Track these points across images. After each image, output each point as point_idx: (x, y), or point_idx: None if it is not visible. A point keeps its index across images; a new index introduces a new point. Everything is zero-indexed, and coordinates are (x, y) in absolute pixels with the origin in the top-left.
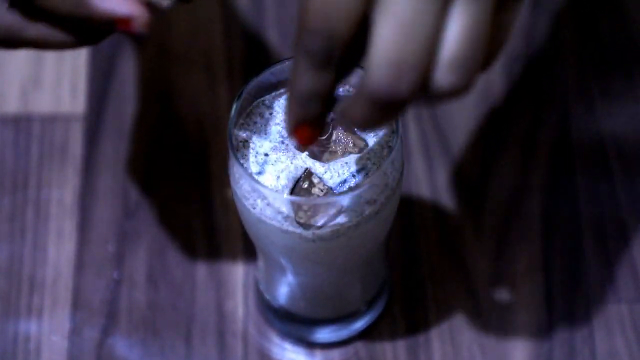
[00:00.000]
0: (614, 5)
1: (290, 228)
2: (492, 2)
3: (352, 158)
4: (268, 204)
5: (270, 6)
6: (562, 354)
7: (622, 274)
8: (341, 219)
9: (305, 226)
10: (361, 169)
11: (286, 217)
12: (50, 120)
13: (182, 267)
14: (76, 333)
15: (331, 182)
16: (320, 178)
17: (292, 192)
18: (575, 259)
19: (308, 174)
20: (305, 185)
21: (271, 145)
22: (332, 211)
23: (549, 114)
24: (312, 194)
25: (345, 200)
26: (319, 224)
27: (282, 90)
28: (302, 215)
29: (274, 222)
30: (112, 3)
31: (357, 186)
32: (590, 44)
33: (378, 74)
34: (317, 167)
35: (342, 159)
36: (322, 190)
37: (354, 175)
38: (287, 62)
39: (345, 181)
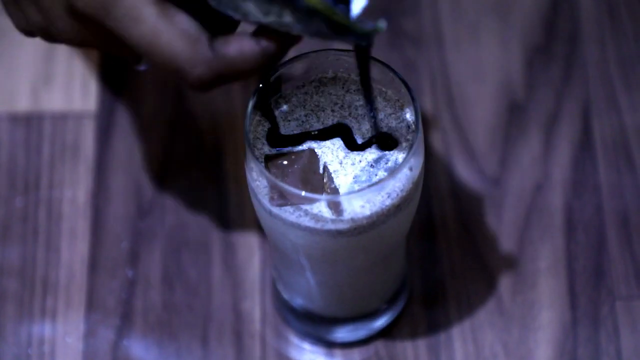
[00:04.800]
0: None
1: (310, 225)
2: None
3: (369, 150)
4: None
5: None
6: (587, 352)
7: None
8: (362, 215)
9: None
10: (379, 158)
11: (305, 214)
12: (62, 119)
13: (198, 266)
14: (91, 335)
15: (350, 171)
16: (329, 177)
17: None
18: (599, 254)
19: (323, 168)
20: (325, 180)
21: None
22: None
23: (570, 106)
24: (325, 183)
25: (367, 195)
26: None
27: (299, 83)
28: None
29: (292, 219)
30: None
31: (380, 180)
32: (612, 35)
33: None
34: (334, 164)
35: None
36: (327, 191)
37: (372, 165)
38: (302, 56)
39: (363, 170)
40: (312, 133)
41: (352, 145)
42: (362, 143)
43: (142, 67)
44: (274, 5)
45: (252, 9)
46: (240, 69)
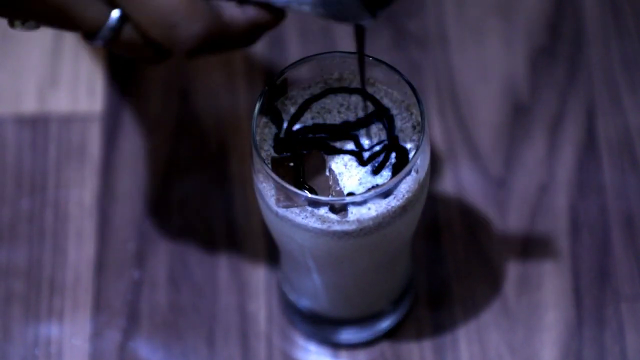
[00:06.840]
0: None
1: (316, 226)
2: None
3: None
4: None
5: None
6: (592, 352)
7: None
8: (369, 216)
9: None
10: (385, 159)
11: (311, 215)
12: (68, 120)
13: (203, 267)
14: (97, 336)
15: (355, 175)
16: (335, 179)
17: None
18: (604, 255)
19: (329, 170)
20: (330, 182)
21: None
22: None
23: (574, 107)
24: (330, 186)
25: (373, 197)
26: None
27: (305, 85)
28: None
29: (298, 221)
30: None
31: (385, 183)
32: (616, 36)
33: None
34: (339, 166)
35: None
36: (332, 193)
37: (374, 166)
38: (309, 59)
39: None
40: (319, 136)
41: (360, 157)
42: (370, 155)
43: (97, 42)
44: None
45: None
46: (231, 33)
